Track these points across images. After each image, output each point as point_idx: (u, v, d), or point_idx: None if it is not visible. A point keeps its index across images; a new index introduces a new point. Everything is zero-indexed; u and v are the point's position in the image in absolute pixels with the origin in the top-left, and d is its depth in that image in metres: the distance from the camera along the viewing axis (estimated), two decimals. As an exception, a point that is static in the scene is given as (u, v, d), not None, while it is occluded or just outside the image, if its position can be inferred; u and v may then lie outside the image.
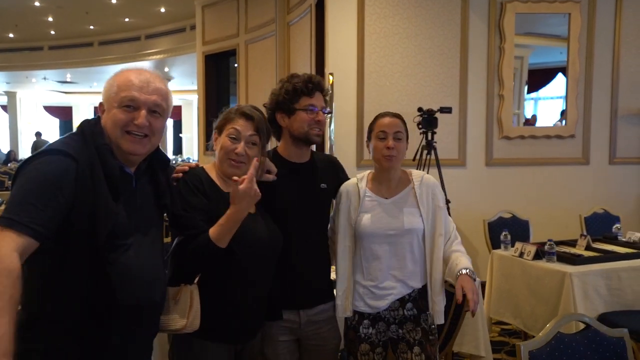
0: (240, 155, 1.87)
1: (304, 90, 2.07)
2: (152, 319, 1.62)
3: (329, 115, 2.22)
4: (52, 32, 13.06)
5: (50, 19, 11.57)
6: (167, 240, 2.00)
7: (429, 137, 4.51)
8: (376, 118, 2.17)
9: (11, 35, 13.39)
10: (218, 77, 9.01)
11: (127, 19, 11.66)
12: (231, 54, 8.37)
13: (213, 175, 1.92)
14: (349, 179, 2.28)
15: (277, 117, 2.12)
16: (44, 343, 1.42)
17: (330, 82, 4.93)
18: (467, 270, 2.01)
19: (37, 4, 10.25)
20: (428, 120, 4.48)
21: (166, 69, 13.94)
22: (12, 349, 1.23)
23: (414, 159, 4.62)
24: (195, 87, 10.36)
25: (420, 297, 2.11)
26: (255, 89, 7.83)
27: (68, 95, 21.23)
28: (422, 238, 2.11)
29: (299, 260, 2.09)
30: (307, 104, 2.08)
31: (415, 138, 4.71)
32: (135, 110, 1.52)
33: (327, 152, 4.99)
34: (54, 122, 22.40)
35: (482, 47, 5.18)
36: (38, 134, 15.93)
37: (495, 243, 4.18)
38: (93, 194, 1.43)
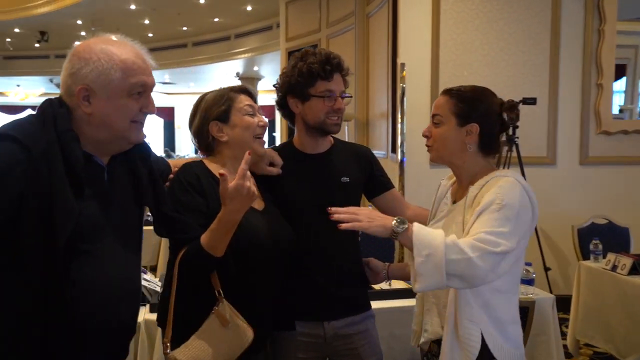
0: (265, 127, 1.71)
1: (321, 74, 1.75)
2: (120, 343, 1.40)
3: (350, 99, 1.87)
4: (150, 35, 13.66)
5: (146, 21, 12.08)
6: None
7: (510, 132, 4.04)
8: None
9: (114, 39, 14.17)
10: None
11: (216, 19, 11.90)
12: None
13: (215, 169, 1.66)
14: (381, 172, 1.96)
15: (289, 102, 1.83)
16: None
17: (403, 74, 4.59)
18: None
19: (133, 7, 10.71)
20: (509, 113, 4.01)
21: (255, 68, 14.14)
22: None
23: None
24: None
25: None
26: (336, 84, 7.62)
27: (170, 96, 22.32)
28: None
29: (318, 264, 1.80)
30: (324, 90, 1.77)
31: (495, 133, 4.27)
32: (143, 97, 1.34)
33: (398, 149, 4.65)
34: (159, 123, 23.67)
35: (576, 30, 4.60)
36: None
37: (586, 253, 3.68)
38: (49, 189, 1.19)
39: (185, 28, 12.86)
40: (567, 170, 4.66)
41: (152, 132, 21.05)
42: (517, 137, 4.05)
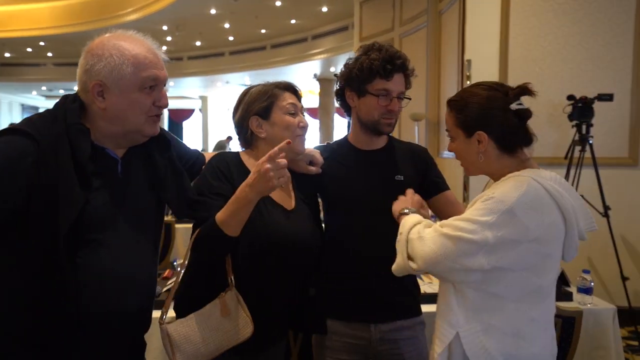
0: (305, 128, 1.71)
1: (380, 72, 1.71)
2: (130, 334, 1.41)
3: (408, 101, 1.79)
4: (231, 38, 14.09)
5: (227, 25, 12.47)
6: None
7: (583, 131, 3.77)
8: None
9: (198, 43, 14.77)
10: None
11: (293, 21, 12.06)
12: (386, 49, 8.12)
13: (249, 162, 1.66)
14: (437, 173, 1.89)
15: (347, 94, 1.82)
16: None
17: (467, 74, 4.42)
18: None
19: (213, 11, 11.09)
20: (581, 110, 3.75)
21: (332, 69, 14.18)
22: None
23: (565, 157, 3.92)
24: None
25: None
26: (408, 83, 7.49)
27: (252, 98, 22.91)
28: None
29: (369, 265, 1.74)
30: (381, 88, 1.73)
31: (567, 132, 4.01)
32: (155, 90, 1.37)
33: (440, 152, 4.48)
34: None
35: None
36: (229, 138, 17.00)
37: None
38: (56, 179, 1.23)
39: (263, 30, 13.14)
40: (652, 172, 4.29)
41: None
42: (592, 136, 3.77)
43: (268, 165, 1.37)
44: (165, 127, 23.60)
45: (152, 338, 2.06)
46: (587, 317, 2.27)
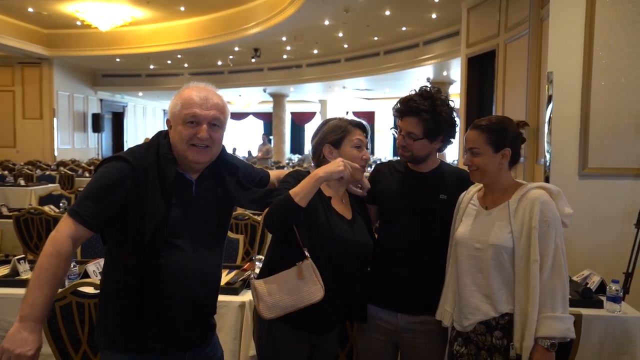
0: (366, 161, 2.09)
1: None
2: (198, 313, 1.81)
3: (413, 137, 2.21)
4: (345, 46, 14.65)
5: (340, 34, 13.04)
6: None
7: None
8: None
9: (315, 51, 15.52)
10: (480, 79, 8.82)
11: (403, 28, 12.32)
12: (492, 55, 8.14)
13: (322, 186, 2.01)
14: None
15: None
16: (107, 319, 1.74)
17: (547, 89, 4.48)
18: (544, 341, 1.81)
19: (327, 22, 11.70)
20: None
21: (444, 73, 14.21)
22: (43, 317, 1.53)
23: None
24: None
25: (512, 326, 1.89)
26: (510, 90, 7.49)
27: (369, 102, 23.39)
28: (511, 258, 1.90)
29: (406, 266, 2.13)
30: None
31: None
32: (197, 125, 1.71)
33: (539, 159, 4.55)
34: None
35: None
36: None
37: None
38: (146, 196, 1.64)
39: (376, 38, 13.52)
40: None
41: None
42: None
43: (343, 168, 1.88)
44: (288, 130, 24.80)
45: (226, 317, 2.57)
46: (614, 324, 2.45)
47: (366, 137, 2.12)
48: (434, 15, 11.02)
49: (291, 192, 1.84)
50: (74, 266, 2.79)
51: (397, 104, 2.15)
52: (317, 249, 1.91)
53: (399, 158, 2.30)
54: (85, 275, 2.81)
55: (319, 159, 2.10)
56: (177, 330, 1.74)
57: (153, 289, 1.67)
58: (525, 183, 1.97)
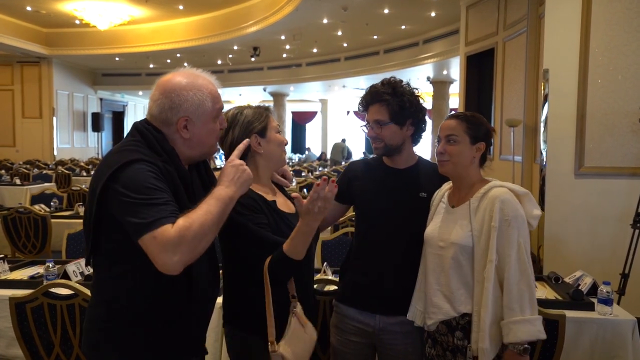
0: (285, 144, 2.00)
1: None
2: (210, 310, 1.77)
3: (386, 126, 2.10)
4: (345, 45, 14.59)
5: (339, 33, 12.97)
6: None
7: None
8: None
9: (315, 50, 15.46)
10: (479, 78, 8.76)
11: (403, 27, 12.24)
12: (490, 54, 8.09)
13: (255, 186, 1.87)
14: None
15: None
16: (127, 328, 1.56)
17: (542, 87, 4.41)
18: (516, 347, 1.75)
19: (325, 20, 11.64)
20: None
21: (444, 72, 14.13)
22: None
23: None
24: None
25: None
26: (509, 88, 7.43)
27: (370, 101, 23.27)
28: (470, 258, 1.84)
29: (381, 266, 2.06)
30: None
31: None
32: (219, 117, 1.65)
33: (537, 158, 4.49)
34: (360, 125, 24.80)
35: None
36: (343, 141, 17.71)
37: None
38: (175, 196, 1.49)
39: (375, 36, 13.45)
40: None
41: (355, 137, 22.18)
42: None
43: (316, 208, 1.64)
44: (289, 129, 24.78)
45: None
46: (605, 326, 2.39)
47: None
48: (433, 14, 10.95)
49: (287, 251, 1.70)
50: (53, 266, 2.72)
51: (360, 99, 2.12)
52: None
53: (364, 158, 2.24)
54: (65, 275, 2.75)
55: (244, 154, 1.77)
56: (198, 325, 1.69)
57: (182, 287, 1.56)
58: (491, 180, 1.92)
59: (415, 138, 2.11)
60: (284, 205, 1.97)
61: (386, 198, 2.07)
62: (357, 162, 2.29)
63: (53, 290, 2.22)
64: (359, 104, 2.13)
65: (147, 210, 1.38)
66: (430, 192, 2.06)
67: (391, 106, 2.01)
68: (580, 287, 2.63)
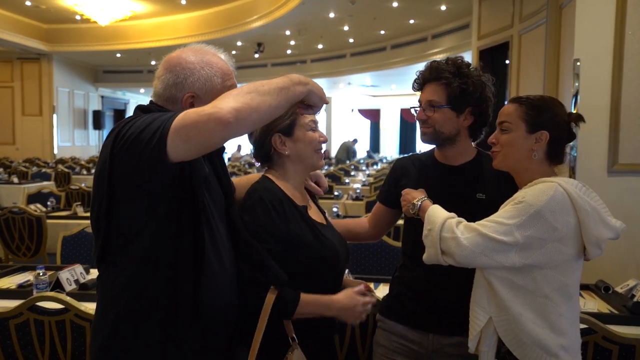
0: (324, 142, 1.74)
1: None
2: (229, 321, 1.48)
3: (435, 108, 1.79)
4: (351, 40, 14.30)
5: (346, 27, 12.68)
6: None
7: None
8: None
9: (320, 46, 15.17)
10: (492, 73, 8.42)
11: (411, 21, 11.95)
12: (504, 47, 7.81)
13: (285, 187, 1.68)
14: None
15: None
16: (129, 342, 1.34)
17: (573, 79, 4.11)
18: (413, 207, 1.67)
19: (332, 15, 11.35)
20: None
21: (453, 68, 13.84)
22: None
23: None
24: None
25: None
26: (525, 83, 7.14)
27: (375, 98, 23.05)
28: (520, 274, 1.51)
29: (436, 279, 1.75)
30: None
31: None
32: None
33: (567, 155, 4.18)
34: (366, 124, 24.58)
35: None
36: (354, 141, 17.33)
37: None
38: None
39: (382, 32, 13.17)
40: None
41: (360, 133, 21.92)
42: None
43: (362, 304, 1.59)
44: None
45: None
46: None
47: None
48: (443, 7, 10.67)
49: (299, 309, 1.55)
50: (44, 274, 2.42)
51: (417, 75, 1.82)
52: (302, 276, 1.58)
53: (412, 154, 1.95)
54: (58, 284, 2.45)
55: (269, 153, 1.69)
56: (209, 343, 1.41)
57: (190, 298, 1.33)
58: (556, 177, 1.55)
59: (474, 131, 1.80)
60: (315, 214, 1.72)
61: (438, 200, 1.71)
62: (405, 158, 1.97)
63: (40, 304, 1.92)
64: (414, 81, 1.81)
65: (161, 117, 1.26)
66: (489, 194, 1.73)
67: (451, 87, 1.71)
68: (636, 299, 2.32)
